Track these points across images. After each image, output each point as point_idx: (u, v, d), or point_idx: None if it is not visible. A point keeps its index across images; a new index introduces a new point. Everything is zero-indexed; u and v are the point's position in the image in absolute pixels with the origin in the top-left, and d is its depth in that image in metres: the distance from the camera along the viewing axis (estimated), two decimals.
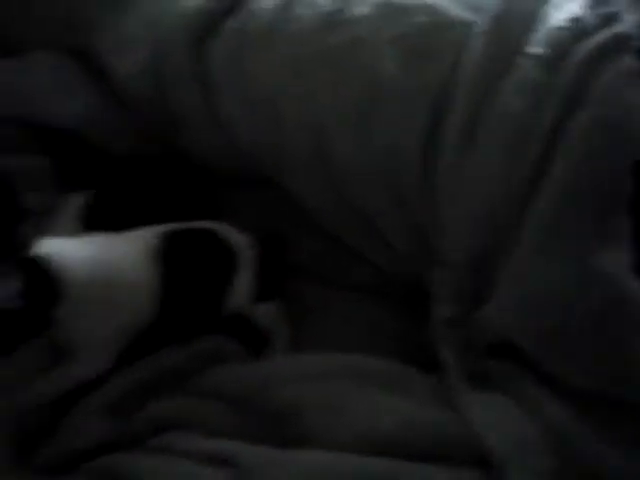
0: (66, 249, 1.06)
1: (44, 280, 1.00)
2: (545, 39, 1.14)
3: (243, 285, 1.21)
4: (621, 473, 0.97)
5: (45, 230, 1.17)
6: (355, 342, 1.24)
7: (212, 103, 1.36)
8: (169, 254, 1.14)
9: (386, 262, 1.32)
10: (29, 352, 1.06)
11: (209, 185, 1.42)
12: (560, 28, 1.14)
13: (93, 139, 1.41)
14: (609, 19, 1.13)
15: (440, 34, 1.21)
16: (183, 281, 1.16)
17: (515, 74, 1.14)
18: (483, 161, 1.13)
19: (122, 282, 1.10)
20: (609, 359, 1.02)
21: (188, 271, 1.17)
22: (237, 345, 1.22)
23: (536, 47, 1.14)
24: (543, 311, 1.05)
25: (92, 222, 1.23)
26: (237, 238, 1.23)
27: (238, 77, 1.34)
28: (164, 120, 1.41)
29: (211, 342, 1.20)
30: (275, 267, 1.28)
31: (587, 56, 1.09)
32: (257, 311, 1.25)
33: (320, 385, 1.09)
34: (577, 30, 1.13)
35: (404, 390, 1.09)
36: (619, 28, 1.11)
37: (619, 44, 1.10)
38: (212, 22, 1.37)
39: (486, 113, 1.14)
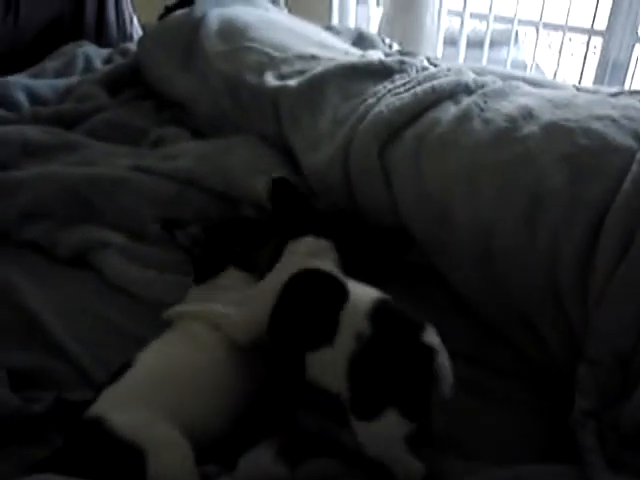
0: None
1: None
2: None
3: None
4: None
5: None
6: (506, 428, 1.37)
7: (393, 199, 1.56)
8: None
9: (536, 353, 1.44)
10: None
11: None
12: None
13: None
14: None
15: (604, 157, 1.36)
16: None
17: None
18: (634, 272, 1.26)
19: None
20: None
21: None
22: None
23: None
24: None
25: None
26: None
27: (414, 180, 1.54)
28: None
29: None
30: None
31: None
32: None
33: None
34: None
35: None
36: None
37: None
38: (395, 130, 1.59)
39: None
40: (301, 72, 1.88)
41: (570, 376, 1.35)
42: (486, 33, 3.53)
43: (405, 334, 1.14)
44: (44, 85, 2.28)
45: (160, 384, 1.19)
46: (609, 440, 1.23)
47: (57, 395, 1.33)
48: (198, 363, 1.25)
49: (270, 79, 1.87)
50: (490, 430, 1.36)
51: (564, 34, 3.44)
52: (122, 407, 1.13)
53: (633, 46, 3.22)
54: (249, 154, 1.75)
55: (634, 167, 1.33)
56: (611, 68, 3.27)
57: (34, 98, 2.22)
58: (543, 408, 1.39)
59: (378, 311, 1.15)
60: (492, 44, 3.60)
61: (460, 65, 1.82)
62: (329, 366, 1.14)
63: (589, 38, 3.37)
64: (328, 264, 1.31)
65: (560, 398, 1.34)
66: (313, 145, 1.70)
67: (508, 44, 3.67)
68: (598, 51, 3.35)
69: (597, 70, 3.31)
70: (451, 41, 3.65)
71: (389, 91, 1.70)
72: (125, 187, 1.77)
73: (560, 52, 3.48)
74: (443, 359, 1.13)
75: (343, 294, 1.19)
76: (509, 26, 3.61)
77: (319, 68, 1.86)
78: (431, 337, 1.14)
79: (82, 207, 1.78)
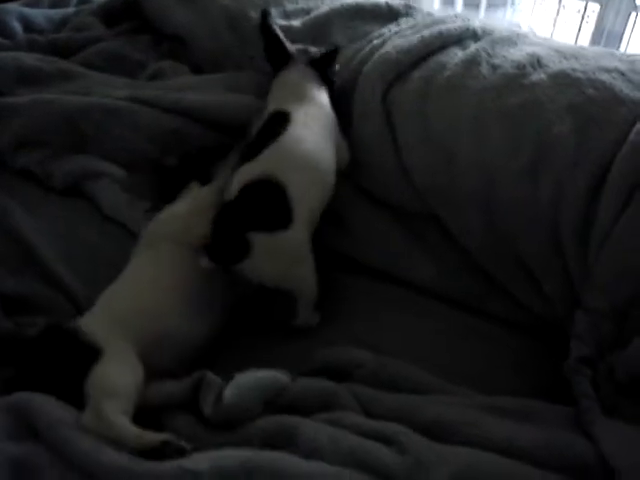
0: None
1: None
2: None
3: None
4: None
5: None
6: (488, 367, 1.39)
7: (395, 141, 1.55)
8: None
9: (532, 301, 1.46)
10: None
11: None
12: None
13: None
14: None
15: (611, 108, 1.36)
16: None
17: None
18: (636, 223, 1.27)
19: None
20: None
21: None
22: None
23: None
24: None
25: None
26: None
27: (419, 122, 1.53)
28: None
29: None
30: None
31: None
32: None
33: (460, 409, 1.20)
34: None
35: (537, 419, 1.19)
36: None
37: None
38: (402, 71, 1.57)
39: None
40: (306, 11, 1.86)
41: (565, 328, 1.37)
42: None
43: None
44: (39, 14, 2.23)
45: (122, 303, 1.29)
46: (604, 387, 1.25)
47: (49, 321, 1.33)
48: (160, 282, 1.33)
49: (274, 16, 1.83)
50: (476, 373, 1.37)
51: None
52: (91, 317, 1.26)
53: (629, 15, 3.20)
54: (256, 89, 1.72)
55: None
56: (606, 36, 3.25)
57: (29, 27, 2.17)
58: (540, 356, 1.41)
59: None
60: (488, 5, 3.57)
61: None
62: None
63: (586, 4, 3.35)
64: None
65: (558, 349, 1.36)
66: None
67: (504, 6, 3.64)
68: (592, 20, 3.32)
69: (592, 38, 3.29)
70: (446, 1, 3.61)
71: (395, 33, 1.68)
72: (121, 117, 1.74)
73: (556, 17, 3.46)
74: None
75: None
76: None
77: (324, 7, 1.83)
78: None
79: (76, 136, 1.75)
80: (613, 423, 1.17)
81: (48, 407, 1.10)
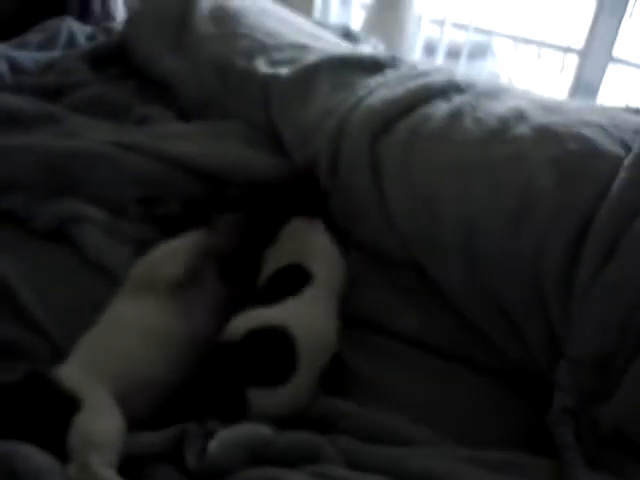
0: None
1: None
2: None
3: None
4: None
5: None
6: (477, 420, 1.39)
7: (381, 190, 1.56)
8: None
9: (515, 351, 1.46)
10: None
11: None
12: None
13: None
14: None
15: (593, 162, 1.39)
16: None
17: None
18: (620, 274, 1.29)
19: None
20: None
21: None
22: None
23: None
24: None
25: None
26: None
27: (403, 172, 1.55)
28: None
29: None
30: None
31: None
32: None
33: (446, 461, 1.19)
34: None
35: (523, 473, 1.19)
36: None
37: None
38: (388, 122, 1.59)
39: (628, 234, 1.30)
40: (292, 60, 1.88)
41: (548, 378, 1.37)
42: (465, 42, 3.56)
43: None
44: (26, 56, 2.24)
45: (101, 350, 1.27)
46: (587, 439, 1.25)
47: (30, 368, 1.31)
48: (140, 327, 1.31)
49: (261, 65, 1.86)
50: (461, 423, 1.37)
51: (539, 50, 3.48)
52: (69, 365, 1.23)
53: (606, 66, 3.26)
54: (242, 138, 1.74)
55: (622, 173, 1.36)
56: (584, 87, 3.31)
57: (16, 68, 2.18)
58: (519, 407, 1.41)
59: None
60: (469, 55, 3.63)
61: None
62: None
63: (564, 55, 3.41)
64: None
65: (537, 399, 1.37)
66: (302, 135, 1.70)
67: (484, 56, 3.71)
68: (571, 70, 3.39)
69: (570, 89, 3.35)
70: (428, 50, 3.67)
71: (381, 84, 1.70)
72: (106, 162, 1.75)
73: (536, 67, 3.53)
74: None
75: None
76: (485, 37, 3.64)
77: (311, 57, 1.86)
78: None
79: (61, 180, 1.75)
80: (596, 476, 1.17)
81: (30, 456, 1.08)
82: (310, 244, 1.48)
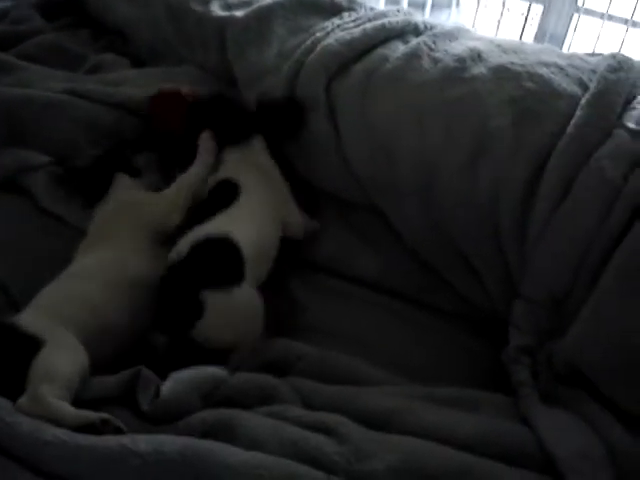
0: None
1: None
2: None
3: None
4: None
5: None
6: (432, 360, 1.40)
7: (337, 133, 1.55)
8: None
9: (473, 293, 1.47)
10: None
11: None
12: None
13: None
14: None
15: (549, 102, 1.38)
16: None
17: (612, 143, 1.30)
18: (574, 213, 1.29)
19: None
20: None
21: None
22: None
23: (632, 123, 1.31)
24: (615, 350, 1.18)
25: None
26: None
27: (360, 114, 1.53)
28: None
29: None
30: None
31: None
32: None
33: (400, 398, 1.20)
34: None
35: (475, 408, 1.20)
36: None
37: None
38: (344, 64, 1.57)
39: (583, 172, 1.29)
40: (247, 3, 1.84)
41: (505, 318, 1.38)
42: None
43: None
44: None
45: (63, 299, 1.28)
46: (542, 376, 1.26)
47: None
48: (104, 274, 1.33)
49: (216, 8, 1.82)
50: (424, 365, 1.38)
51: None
52: (30, 312, 1.23)
53: (571, 16, 3.24)
54: (193, 81, 1.70)
55: (578, 112, 1.35)
56: (549, 38, 3.29)
57: None
58: (482, 350, 1.42)
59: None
60: (432, 6, 3.59)
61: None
62: None
63: (529, 6, 3.38)
64: None
65: (500, 342, 1.37)
66: (257, 77, 1.67)
67: (449, 7, 3.67)
68: (535, 22, 3.36)
69: (535, 40, 3.33)
70: (392, 2, 3.63)
71: (338, 26, 1.67)
72: (59, 110, 1.71)
73: (500, 19, 3.50)
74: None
75: None
76: None
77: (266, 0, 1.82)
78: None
79: (14, 128, 1.71)
80: (551, 410, 1.18)
81: None
82: (241, 160, 1.50)
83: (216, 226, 1.34)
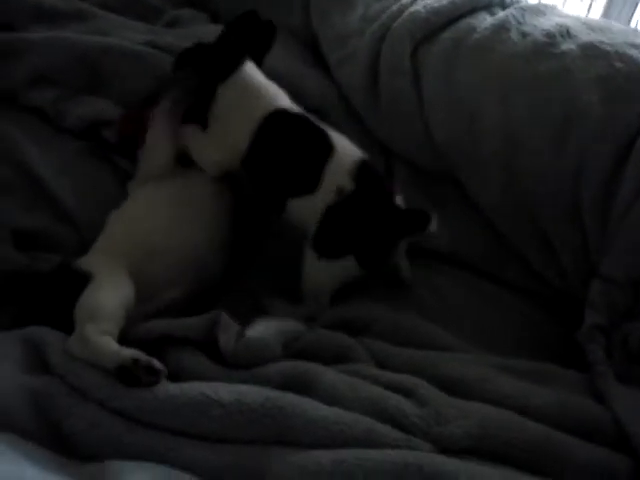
0: None
1: None
2: None
3: None
4: None
5: None
6: (505, 335, 1.40)
7: (420, 99, 1.54)
8: None
9: (547, 269, 1.47)
10: None
11: None
12: None
13: None
14: None
15: (639, 82, 1.37)
16: None
17: None
18: None
19: None
20: None
21: None
22: None
23: None
24: None
25: None
26: None
27: (446, 82, 1.53)
28: None
29: None
30: None
31: None
32: None
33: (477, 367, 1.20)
34: None
35: (549, 382, 1.20)
36: None
37: None
38: (431, 31, 1.56)
39: None
40: None
41: (579, 297, 1.38)
42: None
43: (380, 196, 1.31)
44: None
45: (120, 224, 1.35)
46: (617, 355, 1.26)
47: (63, 259, 1.31)
48: (155, 201, 1.38)
49: None
50: (491, 336, 1.38)
51: None
52: (91, 251, 1.31)
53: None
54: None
55: None
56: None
57: None
58: (554, 324, 1.43)
59: (360, 171, 1.30)
60: None
61: None
62: (307, 209, 1.31)
63: None
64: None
65: (572, 319, 1.37)
66: (341, 40, 1.66)
67: None
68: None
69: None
70: None
71: None
72: (138, 61, 1.70)
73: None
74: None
75: (328, 148, 1.32)
76: None
77: None
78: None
79: (92, 77, 1.70)
80: (626, 390, 1.18)
81: (58, 341, 1.09)
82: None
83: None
